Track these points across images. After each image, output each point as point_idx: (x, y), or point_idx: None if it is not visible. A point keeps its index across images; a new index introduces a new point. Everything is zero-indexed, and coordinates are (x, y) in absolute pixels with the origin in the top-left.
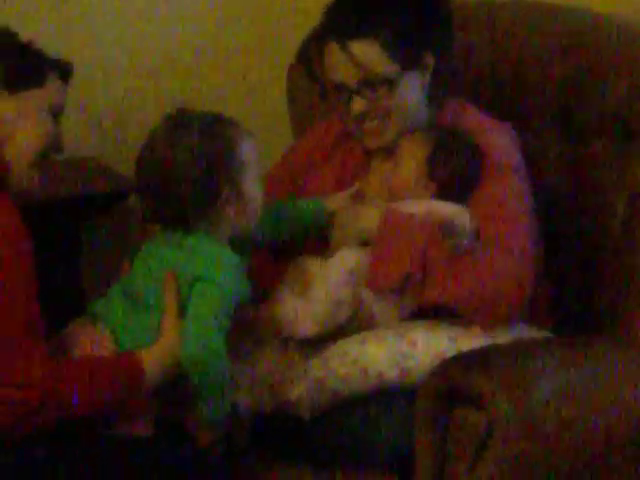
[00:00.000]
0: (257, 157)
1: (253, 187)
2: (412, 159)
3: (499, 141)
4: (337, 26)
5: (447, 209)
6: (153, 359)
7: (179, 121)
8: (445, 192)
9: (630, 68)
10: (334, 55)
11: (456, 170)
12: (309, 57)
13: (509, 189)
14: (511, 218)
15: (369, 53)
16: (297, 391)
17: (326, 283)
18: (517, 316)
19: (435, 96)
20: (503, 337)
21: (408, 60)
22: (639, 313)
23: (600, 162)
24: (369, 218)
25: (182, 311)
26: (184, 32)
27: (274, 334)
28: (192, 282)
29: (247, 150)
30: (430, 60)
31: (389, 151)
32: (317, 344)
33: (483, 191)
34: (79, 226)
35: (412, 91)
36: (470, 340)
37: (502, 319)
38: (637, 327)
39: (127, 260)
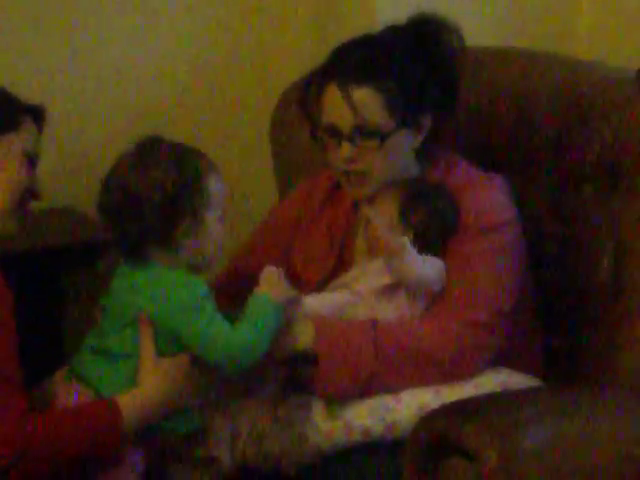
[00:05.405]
0: (224, 195)
1: (215, 223)
2: (386, 213)
3: (489, 197)
4: (342, 68)
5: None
6: (131, 404)
7: (149, 147)
8: (422, 241)
9: (616, 116)
10: (333, 97)
11: (429, 215)
12: (307, 95)
13: (488, 248)
14: (480, 280)
15: (369, 102)
16: (280, 446)
17: None
18: (475, 369)
19: (427, 153)
20: (488, 385)
21: (406, 118)
22: (629, 358)
23: (588, 208)
24: (303, 335)
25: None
26: (164, 78)
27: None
28: (166, 318)
29: (214, 185)
30: (427, 122)
31: (373, 206)
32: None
33: (460, 249)
34: (60, 276)
35: (401, 148)
36: (454, 391)
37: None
38: (627, 373)
39: (98, 310)
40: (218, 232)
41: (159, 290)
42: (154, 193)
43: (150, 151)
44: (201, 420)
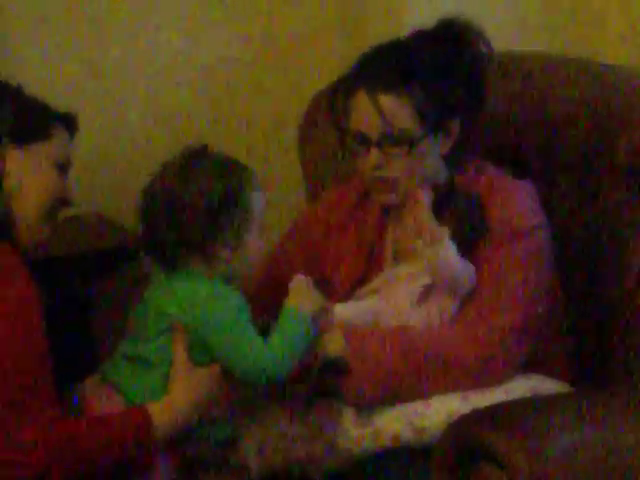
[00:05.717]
0: (264, 209)
1: (254, 237)
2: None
3: (518, 202)
4: (370, 76)
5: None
6: (162, 412)
7: (195, 156)
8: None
9: None
10: (361, 104)
11: (456, 220)
12: (335, 102)
13: (517, 253)
14: (509, 285)
15: (397, 108)
16: (309, 452)
17: None
18: (505, 375)
19: (455, 159)
20: (518, 391)
21: (434, 124)
22: None
23: (615, 215)
24: (332, 343)
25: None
26: (190, 85)
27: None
28: (200, 328)
29: (255, 199)
30: (456, 127)
31: (402, 212)
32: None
33: (489, 254)
34: (89, 282)
35: (429, 154)
36: (483, 397)
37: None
38: None
39: (131, 317)
40: (256, 246)
41: (194, 300)
42: (199, 202)
43: (196, 160)
44: (231, 429)
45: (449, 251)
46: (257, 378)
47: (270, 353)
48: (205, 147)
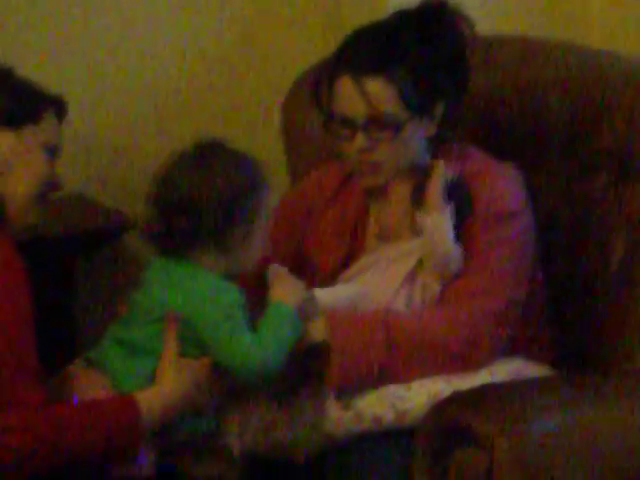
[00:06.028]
0: (273, 206)
1: (261, 232)
2: (399, 201)
3: (501, 186)
4: (354, 60)
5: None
6: (150, 401)
7: (212, 148)
8: None
9: (628, 105)
10: (346, 89)
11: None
12: (319, 86)
13: (499, 237)
14: (492, 269)
15: (382, 92)
16: (291, 434)
17: None
18: (487, 359)
19: (439, 142)
20: (500, 374)
21: (419, 107)
22: (638, 347)
23: (599, 198)
24: (315, 329)
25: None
26: (178, 67)
27: None
28: (195, 321)
29: (268, 197)
30: (440, 110)
31: (385, 193)
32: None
33: (472, 237)
34: (72, 264)
35: (415, 137)
36: (465, 380)
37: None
38: (637, 362)
39: (122, 302)
40: (261, 242)
41: (194, 292)
42: (218, 194)
43: (213, 153)
44: (215, 420)
45: (448, 224)
46: (248, 375)
47: (260, 352)
48: (218, 140)
